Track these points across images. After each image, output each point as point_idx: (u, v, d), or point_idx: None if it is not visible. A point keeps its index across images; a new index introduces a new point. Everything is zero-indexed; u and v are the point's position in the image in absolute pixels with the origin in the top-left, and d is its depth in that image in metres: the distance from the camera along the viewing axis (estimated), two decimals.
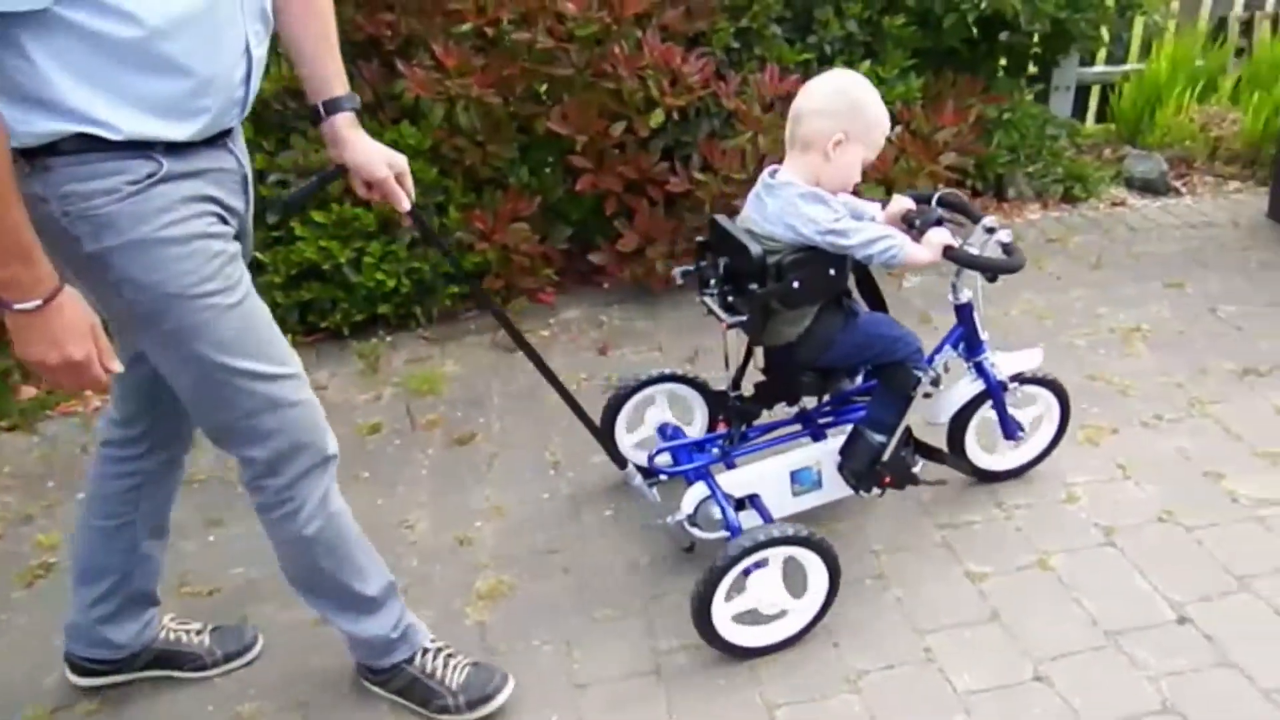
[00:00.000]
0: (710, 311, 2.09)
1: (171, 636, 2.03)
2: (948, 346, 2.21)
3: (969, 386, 2.29)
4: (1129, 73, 4.85)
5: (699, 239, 2.18)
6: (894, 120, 3.58)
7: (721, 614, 1.95)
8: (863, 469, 2.16)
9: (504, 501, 2.55)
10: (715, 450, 2.28)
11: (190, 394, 1.60)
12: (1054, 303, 3.41)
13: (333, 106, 1.72)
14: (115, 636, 1.93)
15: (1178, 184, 4.37)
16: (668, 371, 2.49)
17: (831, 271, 1.98)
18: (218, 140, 1.52)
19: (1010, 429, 2.37)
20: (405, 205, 1.83)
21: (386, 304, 3.28)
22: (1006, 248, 2.00)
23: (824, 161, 1.96)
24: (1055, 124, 4.39)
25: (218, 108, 1.46)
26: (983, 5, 3.55)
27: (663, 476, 2.30)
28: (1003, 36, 3.94)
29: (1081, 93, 4.87)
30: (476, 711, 1.89)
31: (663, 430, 2.46)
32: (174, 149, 1.43)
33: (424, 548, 2.39)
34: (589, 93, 3.23)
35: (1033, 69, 4.39)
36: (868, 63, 3.56)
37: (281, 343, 1.64)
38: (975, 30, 3.79)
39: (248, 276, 1.59)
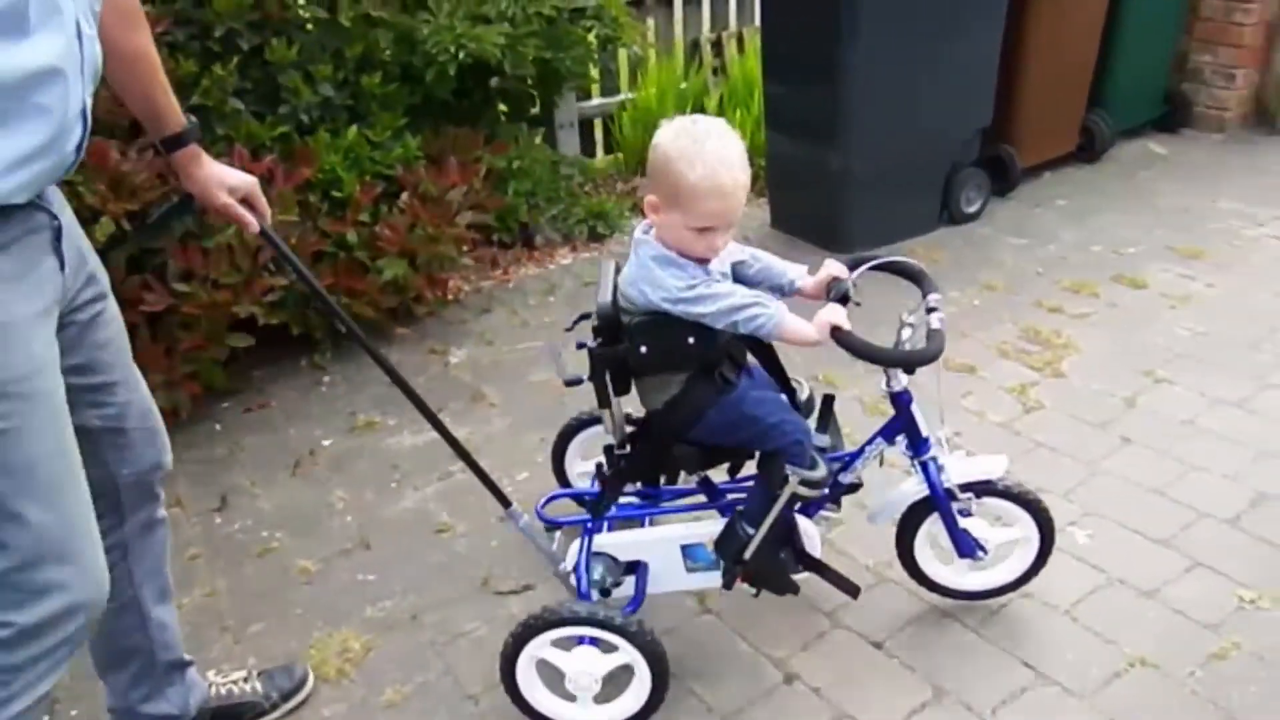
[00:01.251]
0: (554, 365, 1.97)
1: (223, 691, 2.04)
2: (880, 440, 2.02)
3: (913, 489, 2.05)
4: (625, 102, 5.13)
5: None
6: (397, 186, 3.45)
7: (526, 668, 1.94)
8: (727, 560, 1.99)
9: None
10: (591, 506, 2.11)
11: None
12: None
13: (170, 144, 1.75)
14: (165, 710, 1.91)
15: None
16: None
17: (691, 340, 1.80)
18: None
19: (964, 545, 2.06)
20: (253, 227, 1.84)
21: None
22: (931, 333, 1.80)
23: (658, 224, 1.81)
24: (566, 163, 4.50)
25: (49, 171, 1.36)
26: (461, 55, 3.48)
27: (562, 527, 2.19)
28: (493, 83, 3.92)
29: (587, 127, 5.07)
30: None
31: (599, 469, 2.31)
32: None
33: None
34: None
35: (534, 110, 4.45)
36: (354, 128, 3.34)
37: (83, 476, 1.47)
38: (463, 80, 3.73)
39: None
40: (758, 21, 4.43)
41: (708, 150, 1.71)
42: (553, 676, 1.95)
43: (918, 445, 1.99)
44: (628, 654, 1.89)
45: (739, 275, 1.96)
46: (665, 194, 1.75)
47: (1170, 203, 4.47)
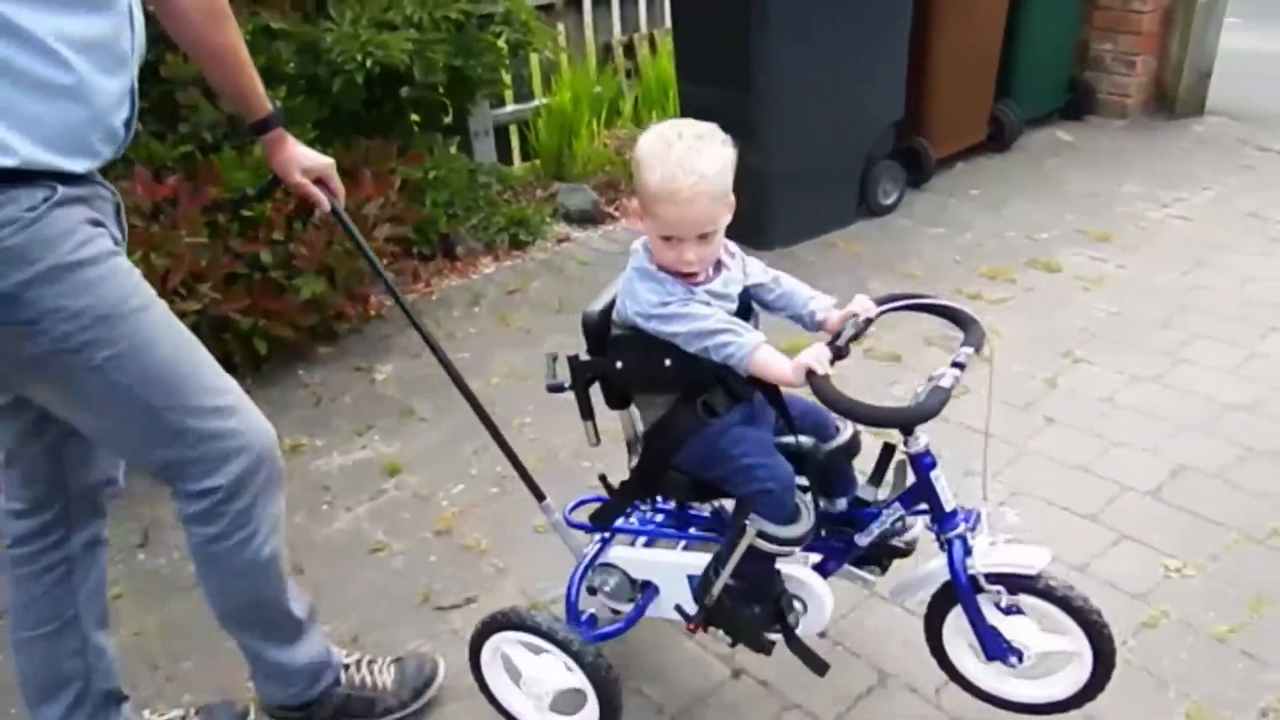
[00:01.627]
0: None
1: None
2: (897, 505, 1.78)
3: (938, 570, 1.78)
4: (540, 108, 5.14)
5: None
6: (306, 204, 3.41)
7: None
8: (695, 600, 1.89)
9: None
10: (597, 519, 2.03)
11: (135, 436, 1.60)
12: (531, 359, 3.44)
13: (258, 128, 1.90)
14: None
15: (610, 209, 4.71)
16: None
17: (667, 361, 1.71)
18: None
19: (991, 646, 1.77)
20: (324, 206, 2.00)
21: None
22: (934, 390, 1.56)
23: (645, 233, 1.73)
24: (483, 171, 4.49)
25: (105, 143, 1.50)
26: (368, 64, 3.45)
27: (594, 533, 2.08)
28: (404, 92, 3.90)
29: (503, 135, 5.07)
30: (420, 700, 2.07)
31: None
32: (64, 176, 1.44)
33: None
34: None
35: (448, 119, 4.44)
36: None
37: (206, 353, 1.67)
38: (373, 90, 3.70)
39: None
40: (668, 23, 4.48)
41: (672, 153, 1.61)
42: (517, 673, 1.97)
43: (941, 520, 1.73)
44: (581, 680, 1.88)
45: (757, 299, 1.84)
46: (639, 199, 1.69)
47: (1078, 188, 4.64)
